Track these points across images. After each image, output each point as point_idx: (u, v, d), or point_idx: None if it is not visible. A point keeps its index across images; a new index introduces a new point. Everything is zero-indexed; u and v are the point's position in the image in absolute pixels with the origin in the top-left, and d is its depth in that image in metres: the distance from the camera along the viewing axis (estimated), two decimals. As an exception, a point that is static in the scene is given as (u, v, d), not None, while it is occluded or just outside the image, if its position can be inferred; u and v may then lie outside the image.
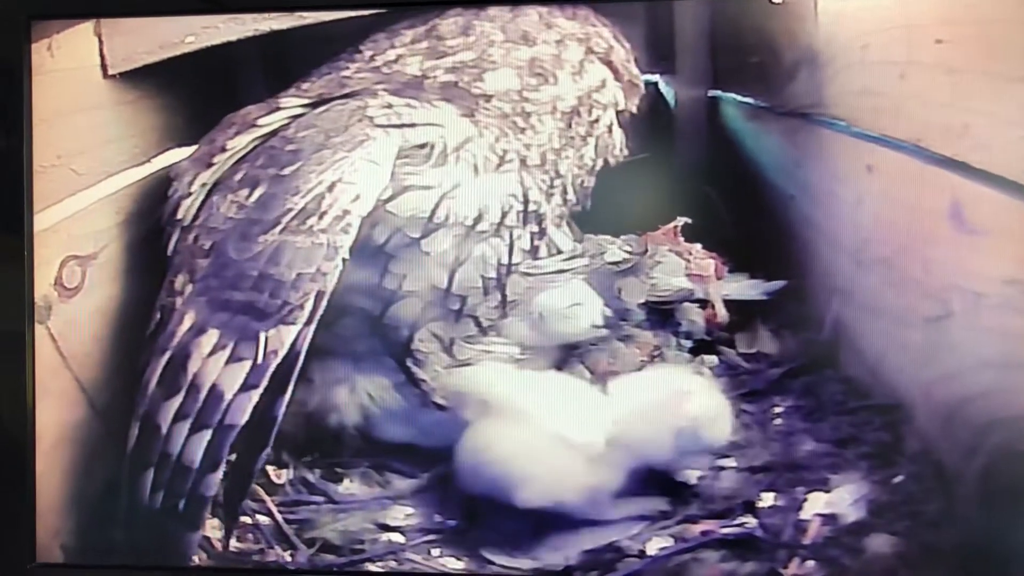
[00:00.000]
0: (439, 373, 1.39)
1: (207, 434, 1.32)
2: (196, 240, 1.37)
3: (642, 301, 1.43)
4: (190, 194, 1.39)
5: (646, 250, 1.44)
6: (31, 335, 1.41)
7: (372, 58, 1.43)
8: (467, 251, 1.36)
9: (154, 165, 1.44)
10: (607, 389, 1.39)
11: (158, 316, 1.38)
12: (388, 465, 1.44)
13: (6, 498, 1.42)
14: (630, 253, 1.44)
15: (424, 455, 1.42)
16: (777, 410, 1.41)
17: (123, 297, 1.43)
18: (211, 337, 1.33)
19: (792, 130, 1.38)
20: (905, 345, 1.32)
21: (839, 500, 1.32)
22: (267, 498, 1.41)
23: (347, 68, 1.43)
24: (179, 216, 1.39)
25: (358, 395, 1.41)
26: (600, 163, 1.44)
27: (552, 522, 1.36)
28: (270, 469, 1.41)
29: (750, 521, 1.34)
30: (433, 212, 1.34)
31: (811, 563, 1.31)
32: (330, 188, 1.32)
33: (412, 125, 1.36)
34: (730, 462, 1.38)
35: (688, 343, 1.42)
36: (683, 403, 1.35)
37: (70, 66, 1.42)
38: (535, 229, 1.40)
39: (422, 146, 1.35)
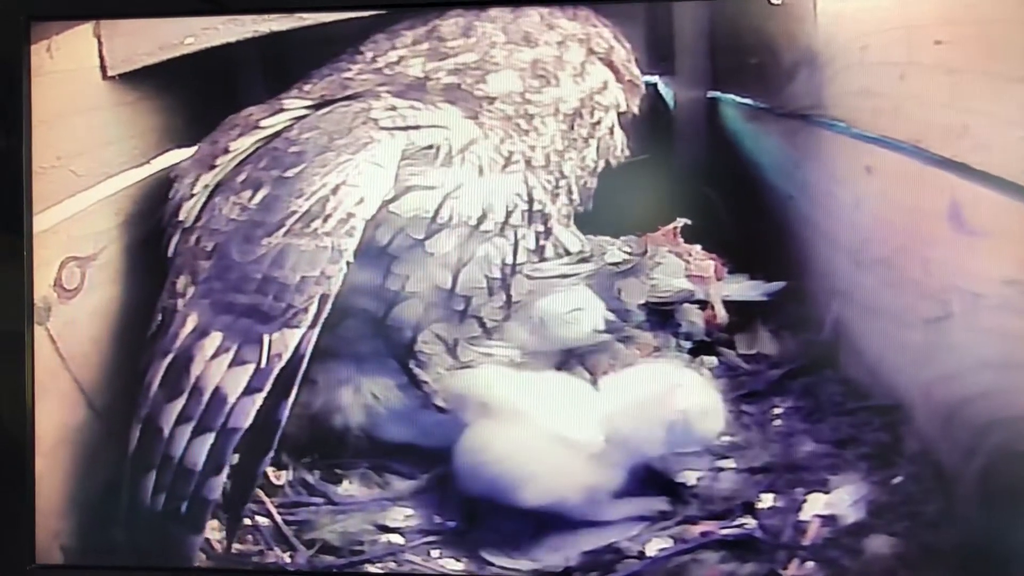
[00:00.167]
0: (441, 375, 1.39)
1: (210, 437, 1.32)
2: (198, 242, 1.37)
3: (642, 302, 1.43)
4: (192, 195, 1.39)
5: (646, 251, 1.43)
6: (30, 336, 1.40)
7: (373, 59, 1.43)
8: (471, 251, 1.36)
9: (154, 166, 1.43)
10: (598, 385, 1.39)
11: (159, 318, 1.37)
12: (387, 466, 1.44)
13: (6, 499, 1.42)
14: (630, 254, 1.44)
15: (424, 456, 1.42)
16: (777, 411, 1.41)
17: (123, 298, 1.43)
18: (214, 340, 1.33)
19: (791, 131, 1.38)
20: (904, 346, 1.32)
21: (838, 501, 1.33)
22: (267, 499, 1.41)
23: (348, 69, 1.42)
24: (181, 217, 1.39)
25: (362, 396, 1.41)
26: (602, 164, 1.44)
27: (552, 523, 1.36)
28: (270, 470, 1.41)
29: (749, 522, 1.34)
30: (437, 212, 1.34)
31: (810, 564, 1.31)
32: (334, 191, 1.32)
33: (417, 127, 1.36)
34: (729, 463, 1.38)
35: (688, 344, 1.42)
36: (673, 396, 1.35)
37: (69, 67, 1.41)
38: (540, 229, 1.40)
39: (427, 148, 1.35)
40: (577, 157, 1.43)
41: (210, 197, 1.38)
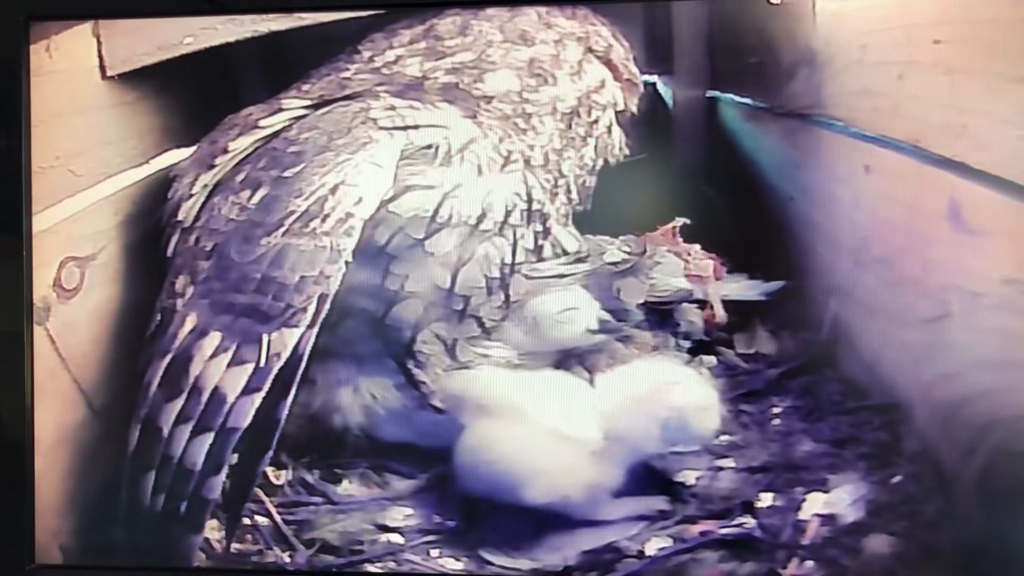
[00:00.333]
0: (439, 375, 1.39)
1: (209, 437, 1.32)
2: (197, 242, 1.37)
3: (641, 302, 1.43)
4: (191, 195, 1.39)
5: (645, 250, 1.44)
6: (30, 336, 1.40)
7: (371, 59, 1.43)
8: (470, 251, 1.36)
9: (153, 166, 1.44)
10: (595, 382, 1.39)
11: (158, 318, 1.37)
12: (387, 466, 1.44)
13: (5, 499, 1.42)
14: (629, 254, 1.44)
15: (423, 456, 1.42)
16: (776, 410, 1.41)
17: (122, 298, 1.43)
18: (213, 340, 1.33)
19: (790, 130, 1.38)
20: (904, 345, 1.32)
21: (838, 500, 1.33)
22: (266, 499, 1.41)
23: (347, 69, 1.43)
24: (180, 217, 1.39)
25: (361, 396, 1.41)
26: (600, 163, 1.44)
27: (551, 522, 1.36)
28: (269, 470, 1.41)
29: (749, 521, 1.34)
30: (436, 212, 1.35)
31: (810, 563, 1.31)
32: (333, 191, 1.32)
33: (416, 127, 1.36)
34: (729, 462, 1.38)
35: (687, 343, 1.42)
36: (667, 393, 1.35)
37: (69, 67, 1.41)
38: (539, 228, 1.40)
39: (426, 147, 1.35)
40: (575, 156, 1.43)
41: (209, 197, 1.38)
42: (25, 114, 1.40)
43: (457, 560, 1.37)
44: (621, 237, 1.44)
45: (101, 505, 1.41)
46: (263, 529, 1.40)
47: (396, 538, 1.39)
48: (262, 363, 1.31)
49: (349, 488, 1.43)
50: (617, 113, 1.45)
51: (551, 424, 1.36)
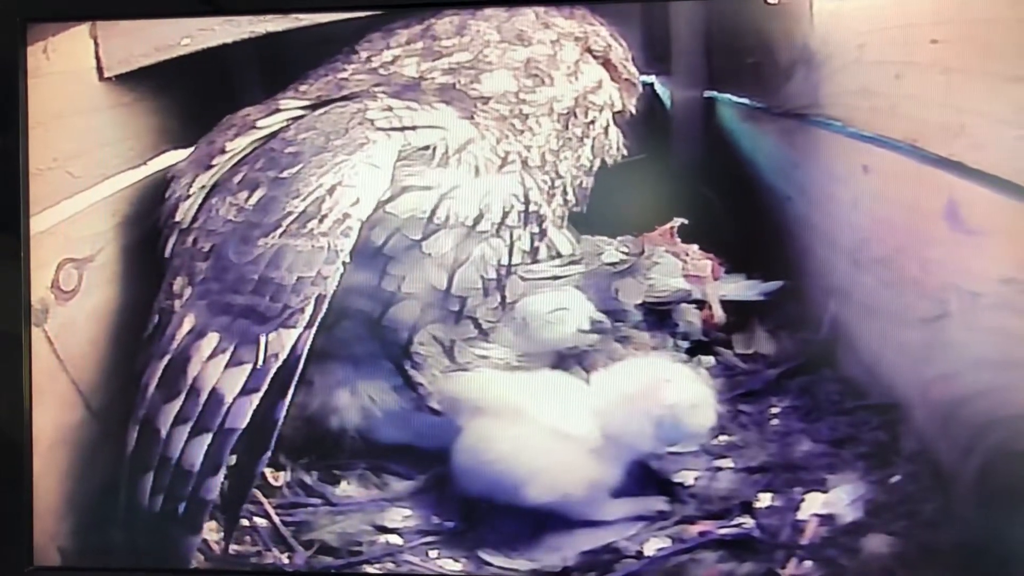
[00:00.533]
0: (436, 377, 1.39)
1: (207, 438, 1.32)
2: (195, 243, 1.37)
3: (639, 302, 1.43)
4: (189, 196, 1.39)
5: (643, 251, 1.44)
6: (28, 338, 1.40)
7: (368, 59, 1.43)
8: (467, 252, 1.36)
9: (150, 167, 1.44)
10: (590, 380, 1.39)
11: (156, 319, 1.37)
12: (385, 467, 1.44)
13: (3, 501, 1.42)
14: (627, 254, 1.44)
15: (421, 457, 1.42)
16: (774, 410, 1.41)
17: (120, 300, 1.43)
18: (211, 340, 1.33)
19: (788, 130, 1.38)
20: (902, 345, 1.32)
21: (836, 500, 1.33)
22: (264, 500, 1.41)
23: (344, 70, 1.43)
24: (177, 218, 1.39)
25: (359, 397, 1.41)
26: (597, 164, 1.44)
27: (550, 523, 1.36)
28: (268, 471, 1.41)
29: (748, 522, 1.34)
30: (433, 213, 1.34)
31: (809, 563, 1.31)
32: (330, 191, 1.32)
33: (413, 128, 1.36)
34: (727, 462, 1.38)
35: (685, 344, 1.42)
36: (660, 391, 1.35)
37: (66, 69, 1.41)
38: (535, 230, 1.40)
39: (424, 148, 1.35)
40: (572, 157, 1.43)
41: (207, 198, 1.38)
42: (23, 116, 1.40)
43: (456, 561, 1.37)
44: (619, 237, 1.44)
45: (99, 506, 1.41)
46: (261, 530, 1.40)
47: (395, 539, 1.39)
48: (260, 364, 1.31)
49: (347, 489, 1.43)
50: (615, 113, 1.46)
51: (549, 423, 1.36)
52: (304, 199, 1.32)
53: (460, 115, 1.38)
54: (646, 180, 1.43)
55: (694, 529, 1.35)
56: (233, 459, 1.34)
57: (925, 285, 1.29)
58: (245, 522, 1.40)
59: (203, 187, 1.39)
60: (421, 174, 1.35)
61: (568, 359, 1.41)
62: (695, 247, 1.43)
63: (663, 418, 1.34)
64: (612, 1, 1.43)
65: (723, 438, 1.39)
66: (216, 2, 1.41)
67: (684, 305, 1.43)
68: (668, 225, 1.42)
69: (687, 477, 1.38)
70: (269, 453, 1.34)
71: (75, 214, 1.42)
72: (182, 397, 1.32)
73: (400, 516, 1.41)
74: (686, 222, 1.41)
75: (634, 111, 1.46)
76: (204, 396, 1.31)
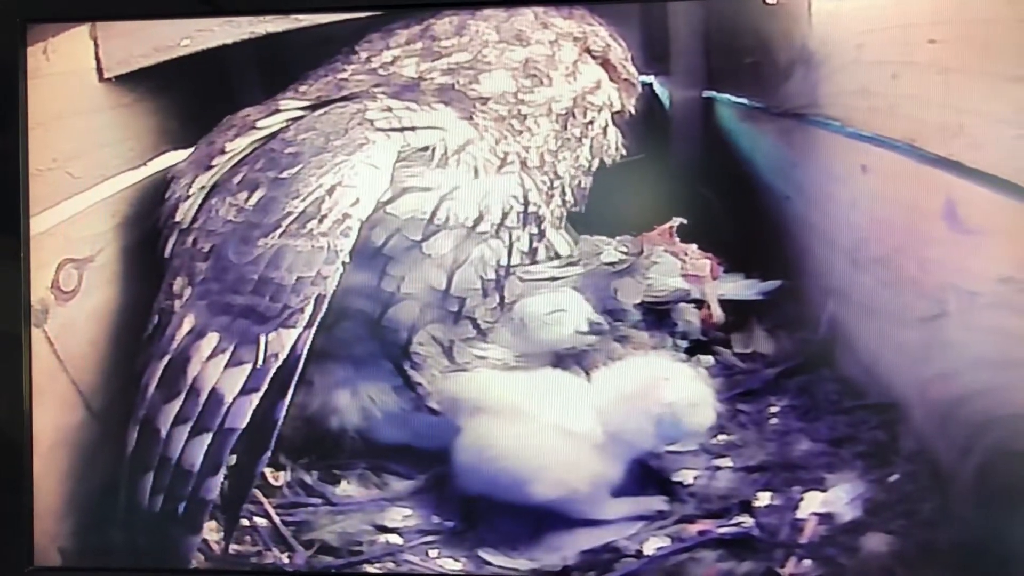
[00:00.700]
0: (435, 377, 1.39)
1: (207, 438, 1.32)
2: (195, 243, 1.37)
3: (638, 302, 1.43)
4: (189, 196, 1.39)
5: (642, 251, 1.44)
6: (28, 338, 1.40)
7: (368, 59, 1.43)
8: (466, 252, 1.36)
9: (150, 168, 1.44)
10: (591, 378, 1.39)
11: (156, 319, 1.37)
12: (385, 467, 1.44)
13: (3, 501, 1.42)
14: (626, 254, 1.44)
15: (421, 457, 1.42)
16: (773, 410, 1.41)
17: (120, 300, 1.43)
18: (211, 340, 1.33)
19: (787, 130, 1.38)
20: (901, 344, 1.32)
21: (835, 499, 1.33)
22: (265, 500, 1.41)
23: (344, 70, 1.43)
24: (177, 218, 1.39)
25: (360, 398, 1.41)
26: (596, 164, 1.45)
27: (550, 522, 1.37)
28: (268, 471, 1.41)
29: (747, 521, 1.34)
30: (434, 214, 1.35)
31: (808, 562, 1.31)
32: (330, 192, 1.32)
33: (413, 128, 1.36)
34: (726, 462, 1.39)
35: (684, 343, 1.42)
36: (659, 390, 1.35)
37: (66, 69, 1.41)
38: (534, 231, 1.40)
39: (423, 149, 1.35)
40: (571, 157, 1.43)
41: (206, 198, 1.38)
42: (23, 116, 1.40)
43: (456, 560, 1.37)
44: (618, 237, 1.44)
45: (99, 507, 1.41)
46: (262, 530, 1.40)
47: (395, 539, 1.39)
48: (259, 364, 1.31)
49: (348, 489, 1.43)
50: (613, 114, 1.46)
51: (552, 420, 1.36)
52: (304, 199, 1.32)
53: (459, 116, 1.39)
54: (645, 180, 1.43)
55: (693, 528, 1.35)
56: (233, 459, 1.34)
57: (923, 284, 1.29)
58: (245, 522, 1.40)
59: (203, 188, 1.39)
60: (421, 175, 1.35)
61: (567, 359, 1.41)
62: (694, 247, 1.43)
63: (662, 417, 1.34)
64: (611, 1, 1.43)
65: (722, 437, 1.40)
66: (216, 2, 1.41)
67: (683, 304, 1.43)
68: (667, 225, 1.42)
69: (686, 476, 1.38)
70: (269, 453, 1.34)
71: (75, 215, 1.42)
72: (182, 397, 1.32)
73: (400, 516, 1.41)
74: (685, 222, 1.41)
75: (633, 111, 1.46)
76: (204, 396, 1.31)
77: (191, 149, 1.42)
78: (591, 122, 1.44)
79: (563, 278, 1.42)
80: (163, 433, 1.33)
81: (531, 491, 1.35)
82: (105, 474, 1.40)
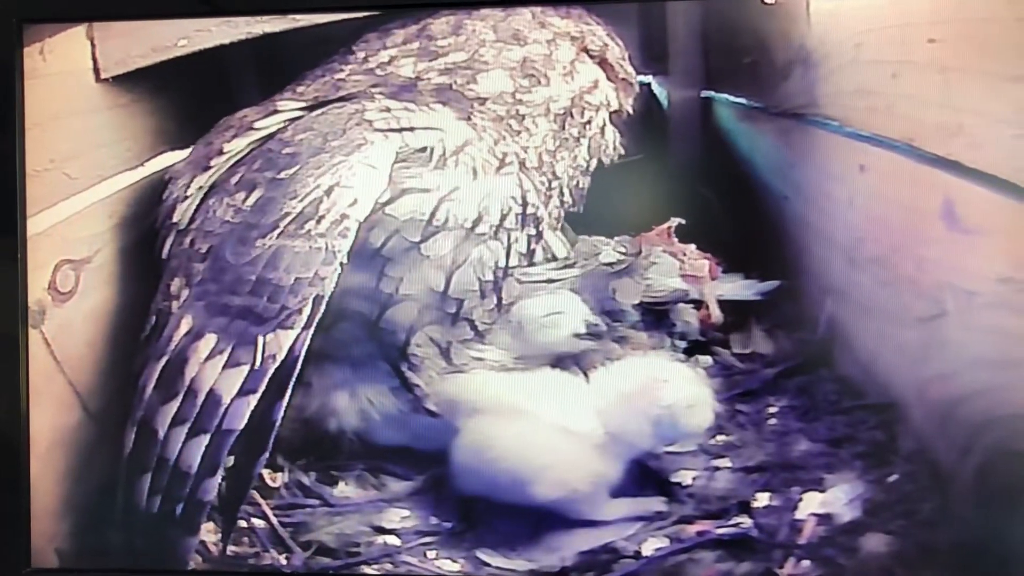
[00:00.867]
0: (433, 378, 1.39)
1: (205, 439, 1.31)
2: (192, 244, 1.37)
3: (636, 302, 1.43)
4: (186, 197, 1.39)
5: (640, 251, 1.44)
6: (25, 339, 1.40)
7: (365, 59, 1.43)
8: (465, 254, 1.36)
9: (147, 168, 1.43)
10: (589, 379, 1.39)
11: (153, 320, 1.37)
12: (383, 468, 1.44)
13: (0, 502, 1.42)
14: (624, 254, 1.44)
15: (419, 458, 1.42)
16: (772, 410, 1.41)
17: (117, 301, 1.43)
18: (209, 341, 1.32)
19: (785, 130, 1.38)
20: (899, 344, 1.32)
21: (834, 500, 1.33)
22: (262, 501, 1.41)
23: (341, 70, 1.43)
24: (175, 219, 1.39)
25: (358, 399, 1.40)
26: (594, 164, 1.45)
27: (548, 523, 1.36)
28: (265, 472, 1.41)
29: (745, 521, 1.34)
30: (432, 215, 1.34)
31: (807, 563, 1.31)
32: (328, 192, 1.32)
33: (411, 129, 1.36)
34: (725, 462, 1.38)
35: (683, 344, 1.42)
36: (657, 390, 1.35)
37: (63, 70, 1.41)
38: (532, 232, 1.40)
39: (421, 150, 1.35)
40: (569, 157, 1.43)
41: (204, 199, 1.38)
42: (19, 117, 1.40)
43: (454, 561, 1.37)
44: (616, 238, 1.44)
45: (97, 508, 1.41)
46: (259, 531, 1.40)
47: (393, 540, 1.39)
48: (257, 365, 1.30)
49: (345, 490, 1.43)
50: (611, 113, 1.46)
51: (550, 420, 1.36)
52: (302, 200, 1.32)
53: (457, 116, 1.38)
54: (643, 180, 1.43)
55: (692, 529, 1.34)
56: (231, 460, 1.33)
57: (922, 284, 1.29)
58: (243, 523, 1.40)
59: (200, 188, 1.38)
60: (419, 176, 1.35)
61: (565, 359, 1.41)
62: (692, 247, 1.43)
63: (661, 417, 1.34)
64: (609, 1, 1.43)
65: (721, 438, 1.40)
66: (214, 2, 1.41)
67: (681, 305, 1.43)
68: (665, 225, 1.42)
69: (685, 477, 1.38)
70: (267, 454, 1.34)
71: (72, 215, 1.41)
72: (179, 398, 1.32)
73: (398, 517, 1.41)
74: (683, 222, 1.41)
75: (631, 111, 1.46)
76: (202, 397, 1.31)
77: (189, 150, 1.42)
78: (589, 122, 1.44)
79: (560, 280, 1.42)
80: (161, 434, 1.33)
81: (529, 492, 1.35)
82: (103, 475, 1.40)
